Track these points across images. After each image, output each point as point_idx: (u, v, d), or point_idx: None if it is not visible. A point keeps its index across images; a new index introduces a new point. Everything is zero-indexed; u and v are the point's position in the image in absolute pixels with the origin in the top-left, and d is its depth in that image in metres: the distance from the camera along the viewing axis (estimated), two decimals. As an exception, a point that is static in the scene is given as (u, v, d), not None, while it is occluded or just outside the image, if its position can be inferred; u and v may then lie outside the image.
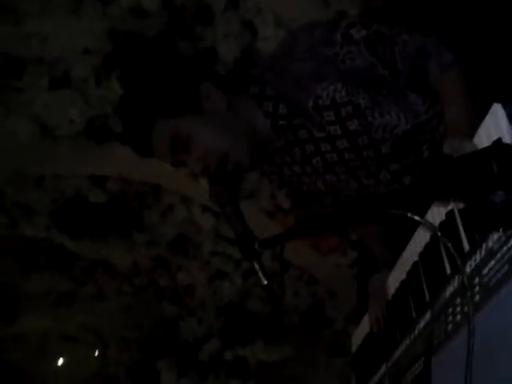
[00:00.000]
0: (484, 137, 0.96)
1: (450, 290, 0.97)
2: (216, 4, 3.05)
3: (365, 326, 1.50)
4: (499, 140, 0.86)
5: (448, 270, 1.02)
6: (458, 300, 0.92)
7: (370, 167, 1.36)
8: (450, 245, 0.83)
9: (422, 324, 1.07)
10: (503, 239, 0.82)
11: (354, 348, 1.58)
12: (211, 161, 1.26)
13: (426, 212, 1.11)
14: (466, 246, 0.95)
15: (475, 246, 0.90)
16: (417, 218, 0.87)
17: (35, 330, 5.16)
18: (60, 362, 5.60)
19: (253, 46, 3.18)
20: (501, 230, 0.80)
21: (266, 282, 1.16)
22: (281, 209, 3.90)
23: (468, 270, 0.90)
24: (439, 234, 0.87)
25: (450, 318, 0.94)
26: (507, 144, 0.81)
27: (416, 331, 1.10)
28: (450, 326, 0.93)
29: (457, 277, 0.95)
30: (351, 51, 1.28)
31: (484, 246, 0.87)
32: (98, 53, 3.05)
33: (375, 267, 1.54)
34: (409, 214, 0.85)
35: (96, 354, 5.45)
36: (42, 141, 3.31)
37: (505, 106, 0.93)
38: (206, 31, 3.10)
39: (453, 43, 1.31)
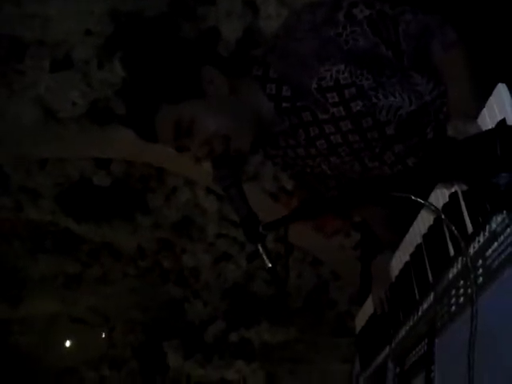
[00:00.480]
0: (488, 117, 0.95)
1: (453, 271, 0.97)
2: (217, -17, 3.02)
3: (368, 307, 1.51)
4: (503, 121, 0.85)
5: (451, 252, 1.01)
6: (461, 282, 0.92)
7: (374, 149, 1.35)
8: (453, 227, 0.83)
9: (425, 305, 1.08)
10: (507, 221, 0.82)
11: (357, 329, 1.59)
12: (215, 145, 1.26)
13: (429, 194, 1.11)
14: (470, 228, 0.95)
15: (478, 227, 0.90)
16: (420, 200, 0.86)
17: (42, 312, 5.22)
18: (67, 344, 5.68)
19: (255, 25, 3.14)
20: (505, 211, 0.79)
21: (270, 265, 1.17)
22: (284, 190, 3.90)
23: (471, 251, 0.90)
24: (443, 216, 0.86)
25: (454, 299, 0.94)
26: (509, 129, 0.81)
27: (419, 313, 1.10)
28: (453, 308, 0.93)
29: (460, 259, 0.95)
30: (354, 31, 1.26)
31: (487, 227, 0.87)
32: (99, 34, 3.02)
33: (378, 249, 1.54)
34: (412, 197, 0.85)
35: (103, 335, 5.52)
36: (46, 124, 3.31)
37: (509, 86, 0.92)
38: (208, 11, 3.07)
39: (457, 22, 1.29)
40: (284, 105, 1.33)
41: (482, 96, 0.99)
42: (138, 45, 1.36)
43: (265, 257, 1.17)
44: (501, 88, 0.92)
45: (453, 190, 1.02)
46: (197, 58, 1.32)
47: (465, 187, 0.95)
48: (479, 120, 0.97)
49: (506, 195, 0.74)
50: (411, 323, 1.13)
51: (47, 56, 3.04)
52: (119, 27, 2.92)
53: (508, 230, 0.81)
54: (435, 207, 0.91)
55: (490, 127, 0.91)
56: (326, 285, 4.62)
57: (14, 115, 3.22)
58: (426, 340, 1.00)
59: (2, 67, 3.04)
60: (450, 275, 0.98)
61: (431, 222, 1.14)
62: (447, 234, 1.03)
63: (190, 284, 4.87)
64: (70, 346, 5.66)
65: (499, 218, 0.84)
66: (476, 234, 0.91)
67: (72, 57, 3.07)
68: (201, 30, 3.00)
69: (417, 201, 0.87)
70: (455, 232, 0.83)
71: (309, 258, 4.45)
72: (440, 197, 1.08)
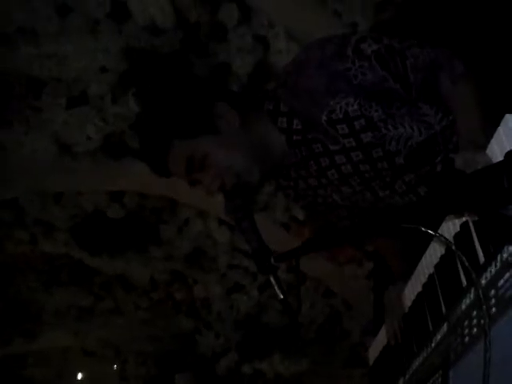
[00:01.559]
0: (497, 148, 0.96)
1: (466, 302, 0.97)
2: (228, 20, 3.10)
3: (382, 338, 1.49)
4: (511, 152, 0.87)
5: (464, 282, 1.01)
6: (475, 312, 0.92)
7: (385, 178, 1.37)
8: (464, 259, 0.83)
9: (438, 337, 1.07)
10: (518, 251, 0.82)
11: (371, 360, 1.57)
12: (227, 178, 1.29)
13: (441, 223, 1.11)
14: (482, 257, 0.95)
15: (490, 257, 0.90)
16: (431, 232, 0.87)
17: (56, 345, 5.21)
18: (79, 376, 5.63)
19: (266, 60, 3.21)
20: (514, 243, 0.80)
21: (282, 297, 1.17)
22: (296, 220, 3.91)
23: (483, 282, 0.90)
24: (454, 247, 0.87)
25: (467, 330, 0.93)
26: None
27: (433, 344, 1.09)
28: (466, 339, 0.93)
29: (472, 289, 0.95)
30: (363, 66, 1.29)
31: (499, 257, 0.87)
32: (114, 71, 3.10)
33: (391, 278, 1.54)
34: (423, 229, 0.86)
35: (115, 368, 5.47)
36: (61, 158, 3.37)
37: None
38: (219, 47, 3.14)
39: (465, 54, 1.32)
40: (295, 137, 1.36)
41: (491, 126, 1.01)
42: (151, 81, 1.41)
43: (277, 288, 1.17)
44: (509, 119, 0.94)
45: (464, 220, 1.03)
46: (209, 94, 1.35)
47: (475, 217, 0.95)
48: (488, 151, 0.99)
49: (514, 227, 0.75)
50: (425, 354, 1.12)
51: (63, 93, 3.12)
52: (133, 64, 3.00)
53: (520, 259, 0.82)
54: (446, 239, 0.91)
55: (499, 158, 0.93)
56: (338, 315, 4.57)
57: (30, 150, 3.29)
58: (440, 372, 0.99)
59: (20, 104, 3.12)
60: (463, 306, 0.98)
61: (443, 252, 1.14)
62: (459, 264, 1.03)
63: (202, 315, 4.84)
64: (83, 378, 5.62)
65: (511, 248, 0.84)
66: (488, 264, 0.91)
67: (87, 93, 3.15)
68: (212, 65, 3.06)
69: (427, 232, 0.88)
70: (467, 264, 0.83)
71: (321, 288, 4.41)
72: (451, 226, 1.08)
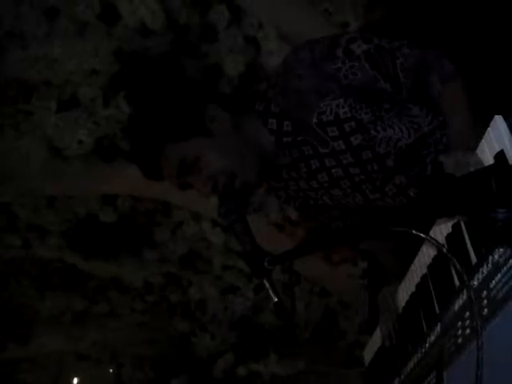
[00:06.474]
0: (487, 149, 0.97)
1: (458, 303, 0.97)
2: (219, 21, 3.09)
3: (377, 339, 1.50)
4: (501, 153, 0.87)
5: (457, 283, 1.02)
6: (467, 313, 0.92)
7: (375, 181, 1.36)
8: (456, 262, 0.83)
9: (432, 337, 1.07)
10: (509, 252, 0.82)
11: (366, 361, 1.58)
12: (220, 181, 1.28)
13: (432, 224, 1.12)
14: (474, 258, 0.95)
15: (482, 259, 0.91)
16: (422, 235, 0.87)
17: (51, 350, 5.18)
18: (75, 381, 5.61)
19: (257, 61, 3.20)
20: (504, 245, 0.80)
21: (276, 300, 1.17)
22: (289, 220, 3.90)
23: (476, 283, 0.91)
24: (445, 251, 0.87)
25: (460, 331, 0.93)
26: (506, 162, 0.82)
27: (427, 344, 1.09)
28: (459, 340, 0.93)
29: (465, 290, 0.95)
30: (353, 66, 1.29)
31: (490, 259, 0.88)
32: (104, 73, 3.09)
33: (385, 278, 1.54)
34: (414, 232, 0.85)
35: (110, 371, 5.45)
36: (53, 162, 3.35)
37: (506, 119, 0.93)
38: (210, 48, 3.14)
39: (454, 55, 1.32)
40: (285, 139, 1.35)
41: (481, 127, 1.01)
42: (142, 83, 1.40)
43: (271, 291, 1.17)
44: (497, 120, 0.94)
45: (455, 221, 1.03)
46: (200, 96, 1.35)
47: (467, 219, 0.96)
48: (478, 151, 0.99)
49: (503, 230, 0.75)
50: (419, 355, 1.13)
51: (54, 96, 3.10)
52: (123, 66, 2.98)
53: (510, 260, 0.82)
54: (438, 242, 0.91)
55: (489, 159, 0.93)
56: (334, 315, 4.58)
57: (21, 154, 3.27)
58: (435, 372, 0.99)
59: (11, 108, 3.11)
60: (456, 306, 0.98)
61: (436, 253, 1.14)
62: (452, 265, 1.03)
63: (197, 317, 4.83)
64: (78, 383, 5.59)
65: (501, 249, 0.84)
66: (479, 265, 0.91)
67: (78, 96, 3.14)
68: (204, 67, 3.06)
69: (419, 235, 0.88)
70: (458, 267, 0.83)
71: (316, 288, 4.41)
72: (443, 227, 1.09)
